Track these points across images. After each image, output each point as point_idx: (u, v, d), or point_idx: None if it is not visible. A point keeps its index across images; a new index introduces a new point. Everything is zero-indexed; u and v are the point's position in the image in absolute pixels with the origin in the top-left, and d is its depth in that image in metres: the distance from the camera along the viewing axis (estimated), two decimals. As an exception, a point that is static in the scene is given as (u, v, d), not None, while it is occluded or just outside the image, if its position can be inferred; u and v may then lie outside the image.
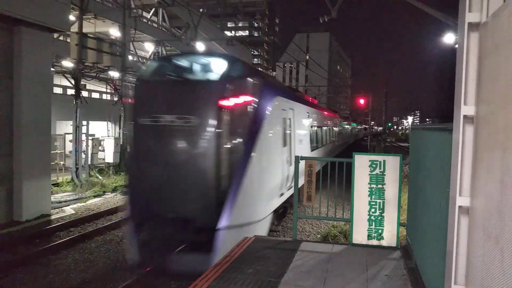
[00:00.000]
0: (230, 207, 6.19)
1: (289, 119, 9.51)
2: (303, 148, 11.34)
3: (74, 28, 17.28)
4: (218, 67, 7.00)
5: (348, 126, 34.95)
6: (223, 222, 6.10)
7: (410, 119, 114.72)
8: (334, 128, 25.09)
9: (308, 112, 13.29)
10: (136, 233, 6.52)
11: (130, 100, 7.43)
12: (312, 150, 13.85)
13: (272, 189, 8.00)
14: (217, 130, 6.25)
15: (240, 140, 6.61)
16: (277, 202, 8.64)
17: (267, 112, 7.55)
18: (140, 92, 7.11)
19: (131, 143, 6.90)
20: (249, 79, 7.19)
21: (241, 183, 6.38)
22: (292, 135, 9.73)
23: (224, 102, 6.34)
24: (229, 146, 6.42)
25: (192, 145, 6.35)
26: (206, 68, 7.18)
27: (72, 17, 17.21)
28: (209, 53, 11.89)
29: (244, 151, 6.60)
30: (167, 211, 6.39)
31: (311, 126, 14.03)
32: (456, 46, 2.83)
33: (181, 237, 6.23)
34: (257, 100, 7.09)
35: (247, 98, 6.85)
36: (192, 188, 6.27)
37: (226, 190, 6.23)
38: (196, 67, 7.24)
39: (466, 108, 2.56)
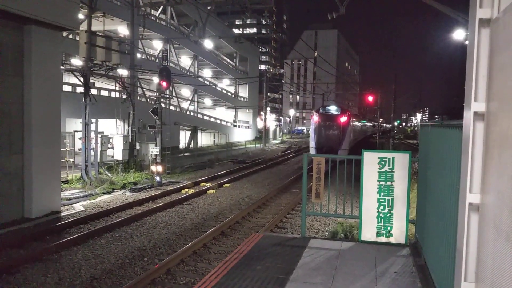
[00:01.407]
0: (342, 142, 25.11)
1: (354, 123, 30.89)
2: (358, 134, 34.09)
3: (83, 26, 17.40)
4: (337, 108, 26.84)
5: (359, 124, 38.13)
6: (341, 147, 24.88)
7: (419, 116, 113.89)
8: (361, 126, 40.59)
9: (355, 120, 32.95)
10: (317, 151, 24.84)
11: (315, 119, 26.49)
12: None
13: (353, 137, 28.66)
14: (339, 125, 25.41)
15: (345, 127, 25.42)
16: (350, 145, 26.65)
17: (349, 120, 26.34)
18: (319, 115, 26.22)
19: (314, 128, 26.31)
20: (345, 112, 26.39)
21: (344, 137, 25.23)
22: (353, 128, 29.86)
23: (340, 118, 25.56)
24: (341, 129, 25.32)
25: (334, 128, 25.51)
26: (335, 109, 26.58)
27: (81, 16, 17.31)
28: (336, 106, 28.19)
29: (345, 131, 25.41)
30: (328, 144, 24.73)
31: (356, 125, 33.59)
32: (467, 42, 2.81)
33: (330, 147, 24.40)
34: (346, 118, 25.74)
35: (345, 117, 25.70)
36: (333, 139, 25.11)
37: (342, 140, 25.15)
38: (333, 109, 26.68)
39: (476, 104, 2.55)
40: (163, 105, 18.53)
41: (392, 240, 5.90)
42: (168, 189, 15.34)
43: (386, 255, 5.47)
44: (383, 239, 5.92)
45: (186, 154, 29.21)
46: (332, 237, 8.62)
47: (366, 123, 45.03)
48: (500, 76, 2.30)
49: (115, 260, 7.77)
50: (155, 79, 23.97)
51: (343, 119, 25.70)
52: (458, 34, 14.35)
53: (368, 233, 5.98)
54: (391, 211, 5.85)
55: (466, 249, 2.61)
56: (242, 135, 50.38)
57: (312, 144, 25.94)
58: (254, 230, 10.01)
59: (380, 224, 5.91)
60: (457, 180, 3.04)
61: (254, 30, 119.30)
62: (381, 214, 5.89)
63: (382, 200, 5.86)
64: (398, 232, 5.88)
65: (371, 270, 4.97)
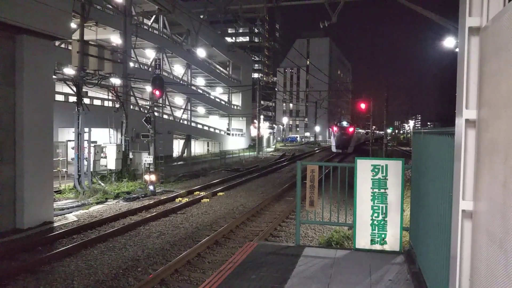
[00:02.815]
0: (350, 143, 47.36)
1: (357, 131, 52.64)
2: (357, 140, 55.03)
3: (76, 36, 17.37)
4: (347, 122, 50.21)
5: (360, 131, 61.17)
6: (350, 147, 47.30)
7: (411, 123, 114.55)
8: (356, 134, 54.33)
9: (357, 129, 53.36)
10: (336, 149, 47.10)
11: (335, 129, 49.72)
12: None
13: (356, 141, 51.20)
14: (348, 133, 47.33)
15: (351, 134, 47.59)
16: (357, 143, 53.26)
17: (354, 130, 48.60)
18: (337, 127, 49.03)
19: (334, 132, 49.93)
20: (351, 125, 48.80)
21: (351, 140, 47.63)
22: (357, 135, 54.07)
23: (348, 129, 47.88)
24: (350, 135, 47.41)
25: (345, 134, 47.30)
26: (346, 123, 49.72)
27: (73, 25, 17.30)
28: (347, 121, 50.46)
29: (352, 136, 47.77)
30: (342, 144, 46.96)
31: (358, 132, 55.57)
32: (457, 50, 2.84)
33: (344, 147, 47.03)
34: (352, 129, 48.09)
35: (351, 128, 47.98)
36: (345, 141, 46.96)
37: (350, 141, 47.35)
38: (344, 123, 49.65)
39: (468, 112, 2.57)
40: (156, 113, 18.50)
41: (386, 247, 5.90)
42: (162, 198, 15.27)
43: (381, 263, 5.47)
44: (377, 246, 5.92)
45: (179, 162, 29.12)
46: (327, 245, 8.61)
47: (360, 131, 61.09)
48: (491, 84, 2.33)
49: (108, 271, 7.70)
50: (148, 88, 23.96)
51: (351, 129, 48.16)
52: (449, 42, 14.52)
53: (363, 240, 5.98)
54: (385, 219, 5.86)
55: (460, 256, 2.62)
56: (235, 143, 50.35)
57: (332, 143, 49.29)
58: (248, 239, 9.97)
59: (374, 231, 5.91)
60: (450, 187, 3.05)
61: (247, 38, 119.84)
62: (375, 222, 5.90)
63: (376, 208, 5.87)
64: (393, 240, 5.88)
65: (366, 278, 4.97)
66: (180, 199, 15.33)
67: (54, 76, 14.54)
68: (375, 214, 5.88)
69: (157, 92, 17.32)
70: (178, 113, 39.64)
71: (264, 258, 5.71)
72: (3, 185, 10.42)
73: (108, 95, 26.98)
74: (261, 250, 6.06)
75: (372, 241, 5.93)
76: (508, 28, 2.04)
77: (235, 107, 54.10)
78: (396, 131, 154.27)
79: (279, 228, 11.14)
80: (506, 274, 1.95)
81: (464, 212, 2.59)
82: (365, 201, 5.91)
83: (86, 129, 16.15)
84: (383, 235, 5.89)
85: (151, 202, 14.27)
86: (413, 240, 5.74)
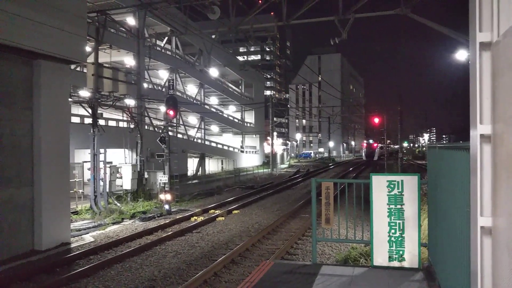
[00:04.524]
0: (375, 154, 69.15)
1: (379, 146, 71.60)
2: (380, 152, 69.94)
3: (90, 59, 17.74)
4: (373, 141, 76.62)
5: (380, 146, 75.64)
6: (375, 156, 68.07)
7: (426, 136, 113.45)
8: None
9: (379, 145, 72.58)
10: (366, 158, 71.16)
11: (365, 145, 80.00)
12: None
13: (378, 153, 69.33)
14: (373, 148, 71.61)
15: (375, 148, 70.91)
16: (379, 155, 68.70)
17: (377, 146, 71.64)
18: (366, 143, 78.26)
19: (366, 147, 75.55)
20: (376, 142, 73.69)
21: (375, 152, 69.30)
22: (379, 149, 70.70)
23: (373, 144, 72.70)
24: (374, 149, 70.65)
25: (371, 149, 71.47)
26: (372, 141, 77.33)
27: (88, 48, 17.69)
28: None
29: (376, 150, 70.26)
30: (369, 155, 70.29)
31: (380, 148, 72.15)
32: (469, 62, 2.84)
33: (371, 157, 69.11)
34: (376, 144, 72.16)
35: (375, 144, 72.51)
36: (371, 153, 70.13)
37: (374, 153, 69.68)
38: (371, 141, 78.20)
39: (482, 127, 2.56)
40: (170, 133, 18.68)
41: (405, 264, 5.81)
42: (177, 217, 15.30)
43: (400, 280, 5.38)
44: (395, 263, 5.84)
45: (194, 181, 29.22)
46: (344, 262, 8.50)
47: (381, 145, 74.82)
48: (504, 98, 2.32)
49: (125, 292, 7.70)
50: (162, 108, 24.26)
51: (375, 145, 71.40)
52: (461, 55, 14.45)
53: (380, 257, 5.90)
54: (403, 235, 5.78)
55: (481, 273, 2.58)
56: (249, 161, 50.39)
57: (363, 154, 74.26)
58: (264, 257, 9.90)
59: (392, 248, 5.84)
60: (467, 202, 3.02)
61: (258, 56, 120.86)
62: (392, 238, 5.82)
63: (393, 224, 5.81)
64: (411, 256, 5.79)
65: (385, 296, 4.89)
66: (196, 218, 15.34)
67: (70, 99, 14.83)
68: (392, 231, 5.81)
69: (171, 112, 17.52)
70: (192, 132, 39.95)
71: (280, 277, 5.67)
72: (22, 207, 10.56)
73: (123, 116, 27.35)
74: (278, 269, 6.02)
75: (390, 258, 5.85)
76: (519, 43, 2.04)
77: (248, 124, 54.31)
78: (411, 144, 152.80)
79: (295, 246, 11.04)
80: (528, 291, 1.91)
81: (483, 228, 2.56)
82: (381, 218, 5.85)
83: (102, 150, 16.36)
84: (401, 252, 5.81)
85: (166, 222, 14.30)
86: (432, 256, 5.65)
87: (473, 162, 2.67)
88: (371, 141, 77.27)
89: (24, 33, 10.08)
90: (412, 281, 5.36)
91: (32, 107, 10.88)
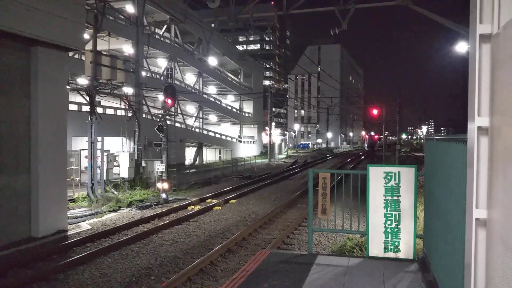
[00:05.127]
0: (375, 145, 73.65)
1: (379, 137, 71.17)
2: (380, 144, 69.45)
3: (89, 46, 17.63)
4: (374, 133, 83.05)
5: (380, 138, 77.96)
6: (375, 147, 72.28)
7: (424, 128, 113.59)
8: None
9: (380, 137, 73.04)
10: (368, 148, 77.32)
11: (367, 137, 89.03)
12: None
13: (379, 145, 70.75)
14: (374, 139, 77.78)
15: (376, 140, 76.95)
16: (379, 146, 68.90)
17: (378, 137, 75.72)
18: (368, 135, 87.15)
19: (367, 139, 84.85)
20: (376, 134, 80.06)
21: (376, 143, 74.51)
22: (380, 141, 69.68)
23: (375, 136, 79.35)
24: (375, 140, 76.95)
25: (373, 140, 77.97)
26: (373, 133, 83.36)
27: (86, 36, 17.55)
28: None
29: (376, 141, 75.92)
30: (371, 145, 75.66)
31: (380, 139, 72.25)
32: (469, 55, 2.83)
33: (372, 147, 74.37)
34: (377, 136, 78.26)
35: (376, 136, 78.63)
36: (373, 143, 75.85)
37: (375, 144, 74.50)
38: (372, 133, 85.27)
39: (480, 119, 2.55)
40: (168, 122, 18.63)
41: (400, 255, 5.84)
42: (174, 206, 15.33)
43: (395, 271, 5.42)
44: (391, 254, 5.87)
45: (192, 170, 29.25)
46: (340, 253, 8.55)
47: (382, 137, 76.53)
48: (503, 91, 2.31)
49: (121, 279, 7.74)
50: (160, 97, 24.18)
51: (376, 137, 77.83)
52: (461, 47, 14.41)
53: (376, 248, 5.92)
54: (398, 226, 5.81)
55: (475, 265, 2.59)
56: (247, 151, 50.41)
57: (365, 145, 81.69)
58: (261, 246, 9.95)
59: (387, 239, 5.86)
60: (463, 194, 3.03)
61: (258, 46, 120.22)
62: (388, 229, 5.85)
63: (389, 215, 5.83)
64: (406, 247, 5.82)
65: (379, 287, 4.92)
66: (193, 207, 15.38)
67: (67, 86, 14.76)
68: (388, 222, 5.83)
69: (169, 101, 17.46)
70: (190, 121, 39.88)
71: (276, 266, 5.69)
72: (19, 194, 10.57)
73: (121, 104, 27.25)
74: (274, 259, 6.05)
75: (386, 249, 5.88)
76: (519, 36, 2.03)
77: (247, 114, 54.24)
78: (409, 136, 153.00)
79: (292, 236, 11.09)
80: (522, 283, 1.92)
81: (478, 220, 2.56)
82: (378, 209, 5.87)
83: (99, 138, 16.33)
84: (396, 243, 5.84)
85: (163, 210, 14.33)
86: (427, 247, 5.68)
87: (470, 154, 2.67)
88: (372, 133, 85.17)
89: (22, 19, 10.00)
90: (407, 272, 5.40)
91: (29, 94, 10.83)
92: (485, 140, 2.56)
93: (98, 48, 17.13)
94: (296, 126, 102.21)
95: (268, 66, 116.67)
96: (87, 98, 16.39)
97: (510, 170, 2.13)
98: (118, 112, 28.66)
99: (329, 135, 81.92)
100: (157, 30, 34.60)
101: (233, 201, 16.93)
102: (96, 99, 16.73)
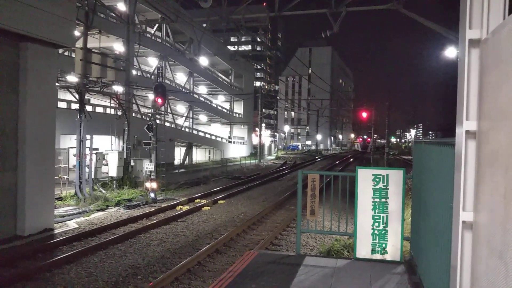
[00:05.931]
0: (368, 147, 77.66)
1: (372, 140, 63.10)
2: (371, 146, 61.94)
3: (79, 44, 17.48)
4: (367, 136, 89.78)
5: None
6: (368, 148, 72.46)
7: (413, 132, 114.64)
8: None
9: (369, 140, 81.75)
10: (361, 149, 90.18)
11: (360, 140, 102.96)
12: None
13: (371, 147, 58.30)
14: (367, 142, 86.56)
15: (368, 142, 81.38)
16: (370, 149, 64.58)
17: (370, 141, 74.69)
18: (361, 138, 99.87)
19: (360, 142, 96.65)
20: (368, 138, 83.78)
21: (369, 146, 74.83)
22: (372, 143, 64.43)
23: (367, 140, 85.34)
24: (368, 143, 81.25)
25: (365, 143, 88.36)
26: (366, 137, 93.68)
27: (77, 33, 17.40)
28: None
29: (369, 144, 77.17)
30: (364, 148, 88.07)
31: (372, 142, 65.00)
32: (458, 60, 2.86)
33: (365, 149, 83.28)
34: (369, 139, 78.73)
35: (369, 139, 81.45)
36: (365, 145, 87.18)
37: (368, 146, 78.42)
38: (365, 137, 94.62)
39: (468, 123, 2.58)
40: (158, 121, 18.55)
41: (387, 257, 5.88)
42: (163, 206, 15.26)
43: (381, 273, 5.45)
44: (378, 256, 5.91)
45: (181, 170, 29.13)
46: (328, 254, 8.58)
47: (369, 139, 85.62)
48: (491, 96, 2.34)
49: (108, 279, 7.68)
50: (151, 96, 24.05)
51: (368, 139, 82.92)
52: (450, 52, 14.56)
53: (363, 250, 5.96)
54: (386, 228, 5.85)
55: (461, 267, 2.62)
56: (237, 151, 50.36)
57: (359, 146, 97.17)
58: (249, 247, 9.95)
59: (375, 241, 5.90)
60: (450, 197, 3.06)
61: (249, 47, 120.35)
62: (376, 231, 5.89)
63: (377, 217, 5.87)
64: (393, 249, 5.87)
65: (367, 288, 4.95)
66: (181, 206, 15.32)
67: (57, 84, 14.62)
68: (376, 224, 5.87)
69: (159, 100, 17.38)
70: (180, 121, 39.72)
71: (264, 267, 5.70)
72: (5, 192, 10.43)
73: (111, 103, 27.06)
74: (262, 259, 6.05)
75: (373, 251, 5.92)
76: (508, 41, 2.06)
77: (237, 115, 54.19)
78: (398, 140, 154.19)
79: (280, 237, 11.11)
80: (506, 286, 1.95)
81: (465, 223, 2.59)
82: (366, 211, 5.91)
83: (88, 136, 16.18)
84: (383, 245, 5.88)
85: (152, 210, 14.26)
86: (414, 250, 5.73)
87: (457, 157, 2.70)
88: (365, 136, 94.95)
89: (11, 15, 9.88)
90: (394, 273, 5.44)
91: (18, 91, 10.70)
92: (472, 144, 2.59)
93: (89, 45, 17.00)
94: (286, 128, 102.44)
95: (259, 67, 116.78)
96: (77, 95, 16.23)
97: (497, 174, 2.16)
98: (108, 111, 28.44)
99: (319, 137, 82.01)
100: (148, 29, 34.39)
101: (222, 201, 16.90)
102: (86, 97, 16.58)
